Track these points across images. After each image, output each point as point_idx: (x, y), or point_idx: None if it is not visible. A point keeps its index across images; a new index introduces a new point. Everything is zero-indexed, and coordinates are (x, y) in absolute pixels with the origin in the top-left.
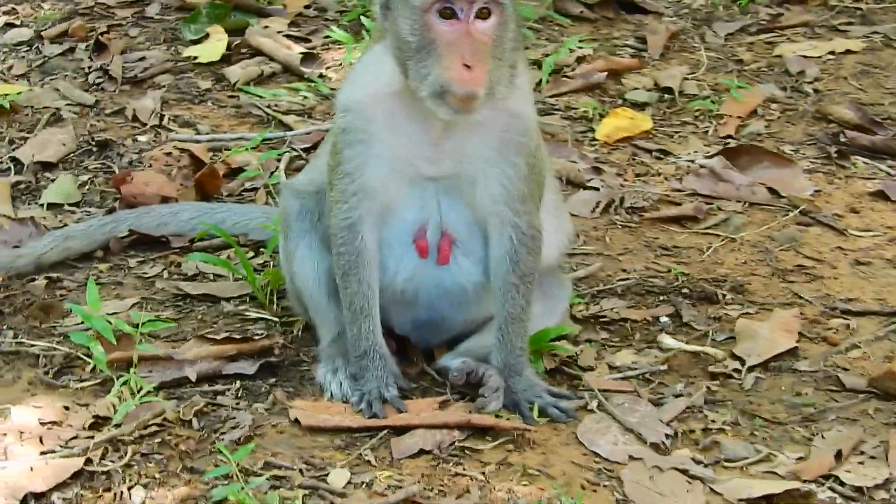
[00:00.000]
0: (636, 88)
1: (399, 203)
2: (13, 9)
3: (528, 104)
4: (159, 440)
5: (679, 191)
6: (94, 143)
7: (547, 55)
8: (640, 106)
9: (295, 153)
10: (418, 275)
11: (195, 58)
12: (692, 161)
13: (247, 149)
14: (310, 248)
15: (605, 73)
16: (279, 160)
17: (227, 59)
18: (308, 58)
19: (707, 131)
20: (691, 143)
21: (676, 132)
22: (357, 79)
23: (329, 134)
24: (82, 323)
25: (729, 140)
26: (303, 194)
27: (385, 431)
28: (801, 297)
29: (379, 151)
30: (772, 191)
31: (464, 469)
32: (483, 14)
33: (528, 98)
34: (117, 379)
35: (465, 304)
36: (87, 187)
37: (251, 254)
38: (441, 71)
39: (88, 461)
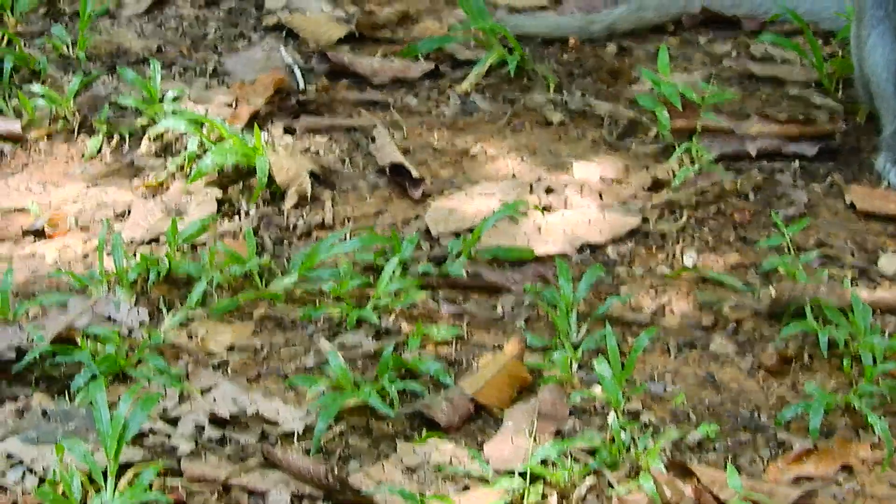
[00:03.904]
0: None
1: None
2: None
3: None
4: (715, 208)
5: None
6: None
7: None
8: None
9: None
10: None
11: None
12: None
13: None
14: (882, 37)
15: None
16: None
17: None
18: None
19: None
20: None
21: None
22: None
23: None
24: (651, 90)
25: None
26: None
27: None
28: None
29: None
30: None
31: None
32: None
33: None
34: (679, 146)
35: None
36: None
37: (820, 41)
38: None
39: (645, 220)
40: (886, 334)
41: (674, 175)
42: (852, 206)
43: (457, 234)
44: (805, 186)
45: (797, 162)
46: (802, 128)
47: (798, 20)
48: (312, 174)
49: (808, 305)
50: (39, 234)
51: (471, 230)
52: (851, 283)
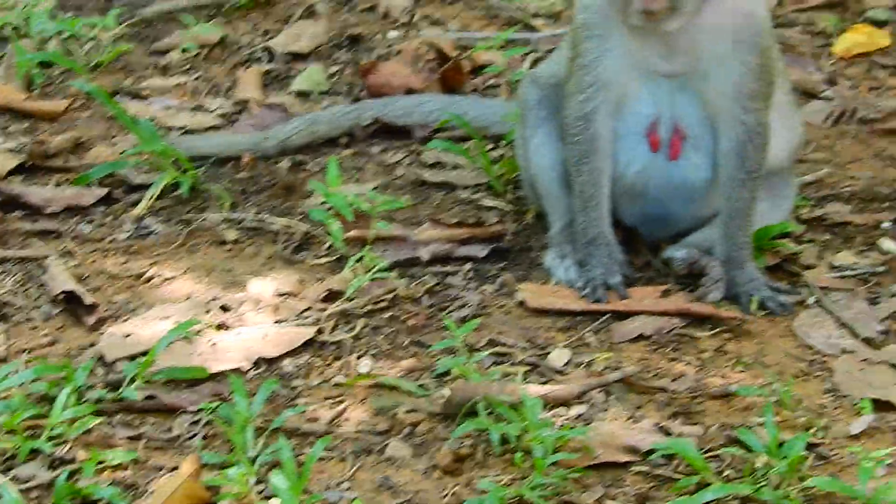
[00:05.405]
0: (876, 7)
1: (633, 97)
2: None
3: (760, 4)
4: (389, 315)
5: None
6: (345, 36)
7: None
8: (879, 24)
9: (539, 55)
10: (649, 169)
11: None
12: None
13: (492, 47)
14: (546, 137)
15: None
16: (523, 59)
17: None
18: None
19: None
20: None
21: None
22: None
23: (570, 28)
24: (324, 203)
25: None
26: (543, 85)
27: (607, 316)
28: None
29: (614, 46)
30: None
31: (681, 355)
32: None
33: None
34: (352, 256)
35: (694, 200)
36: (335, 78)
37: (490, 146)
38: None
39: (320, 331)
40: (556, 426)
41: (348, 285)
42: (523, 303)
43: (132, 358)
44: (477, 288)
45: (469, 264)
46: (472, 230)
47: (465, 126)
48: None
49: (480, 404)
50: None
51: (146, 353)
52: (523, 379)
